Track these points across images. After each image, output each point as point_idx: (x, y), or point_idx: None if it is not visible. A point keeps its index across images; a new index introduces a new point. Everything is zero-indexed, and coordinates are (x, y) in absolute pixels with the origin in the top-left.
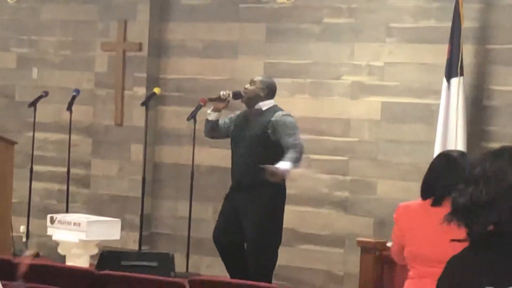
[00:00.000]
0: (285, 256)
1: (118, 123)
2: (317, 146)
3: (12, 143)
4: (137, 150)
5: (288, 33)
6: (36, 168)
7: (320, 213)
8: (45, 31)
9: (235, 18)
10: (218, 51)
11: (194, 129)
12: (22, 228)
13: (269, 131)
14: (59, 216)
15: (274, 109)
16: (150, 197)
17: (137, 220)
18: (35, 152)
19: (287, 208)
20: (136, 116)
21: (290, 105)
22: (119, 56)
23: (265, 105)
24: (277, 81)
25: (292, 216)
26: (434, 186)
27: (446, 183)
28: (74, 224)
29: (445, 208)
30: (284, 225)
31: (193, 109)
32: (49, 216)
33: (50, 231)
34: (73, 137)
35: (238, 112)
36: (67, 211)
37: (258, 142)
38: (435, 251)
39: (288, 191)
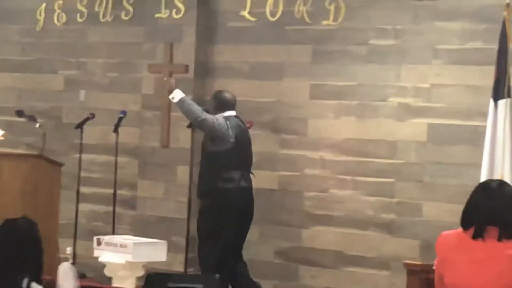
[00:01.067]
0: (330, 278)
1: (165, 145)
2: (363, 168)
3: (59, 164)
4: (183, 172)
5: (334, 55)
6: (82, 189)
7: (366, 236)
8: (92, 53)
9: (281, 40)
10: (264, 73)
11: None
12: (69, 250)
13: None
14: (105, 238)
15: None
16: (196, 219)
17: (183, 242)
18: (82, 174)
19: (333, 230)
20: (182, 138)
21: (336, 127)
22: None
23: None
24: (323, 103)
25: (338, 238)
26: (473, 217)
27: (484, 215)
28: (121, 246)
29: (485, 241)
30: (330, 247)
31: None
32: (95, 238)
33: (96, 252)
34: (119, 158)
35: None
36: (113, 233)
37: (202, 154)
38: (473, 283)
39: (333, 213)
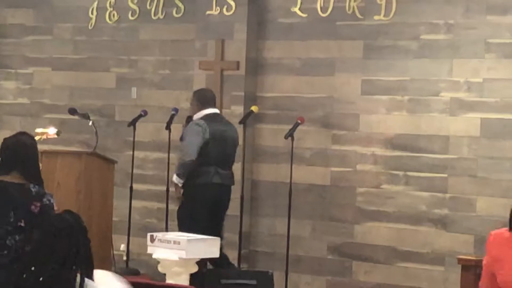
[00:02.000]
0: (384, 274)
1: None
2: (415, 163)
3: (113, 162)
4: (235, 168)
5: (385, 50)
6: (135, 186)
7: (419, 231)
8: (144, 51)
9: (332, 36)
10: (315, 69)
11: (292, 147)
12: (123, 247)
13: None
14: (159, 235)
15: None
16: (249, 215)
17: (236, 238)
18: (135, 171)
19: (385, 225)
20: None
21: (388, 122)
22: (217, 75)
23: (197, 116)
24: (375, 98)
25: (391, 233)
26: None
27: None
28: (174, 242)
29: None
30: (383, 243)
31: (290, 127)
32: (149, 234)
33: (150, 249)
34: (172, 155)
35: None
36: (166, 230)
37: None
38: None
39: (386, 209)
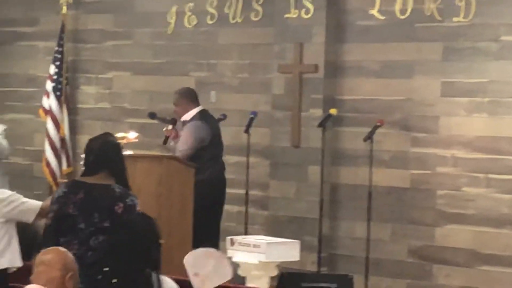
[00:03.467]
0: (465, 277)
1: (295, 145)
2: (496, 166)
3: (192, 166)
4: (314, 172)
5: (465, 52)
6: None
7: (501, 234)
8: (222, 55)
9: (411, 38)
10: (394, 71)
11: (371, 149)
12: None
13: None
14: (238, 238)
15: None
16: (328, 218)
17: (315, 241)
18: None
19: (466, 228)
20: (313, 138)
21: (468, 124)
22: (296, 78)
23: (189, 115)
24: (455, 100)
25: (472, 236)
26: None
27: None
28: (254, 246)
29: None
30: (464, 246)
31: (369, 129)
32: (229, 238)
33: (230, 253)
34: (251, 159)
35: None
36: (246, 233)
37: None
38: None
39: (466, 211)
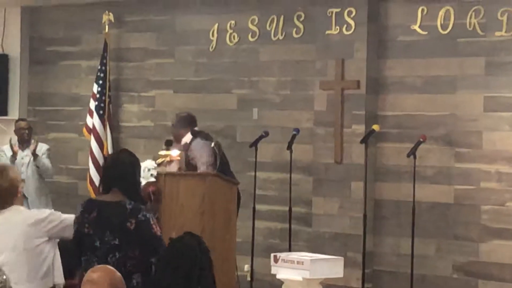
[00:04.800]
0: None
1: (338, 161)
2: None
3: (235, 183)
4: (357, 188)
5: (508, 66)
6: (258, 207)
7: None
8: (264, 72)
9: (454, 53)
10: (437, 87)
11: (414, 165)
12: (247, 267)
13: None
14: (282, 255)
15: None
16: (372, 234)
17: (359, 258)
18: (257, 192)
19: (511, 243)
20: (356, 154)
21: (511, 139)
22: (338, 94)
23: (189, 137)
24: (498, 115)
25: None
26: None
27: None
28: (298, 262)
29: None
30: (509, 261)
31: (412, 145)
32: (272, 255)
33: (274, 270)
34: (293, 175)
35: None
36: (289, 250)
37: None
38: None
39: (511, 227)
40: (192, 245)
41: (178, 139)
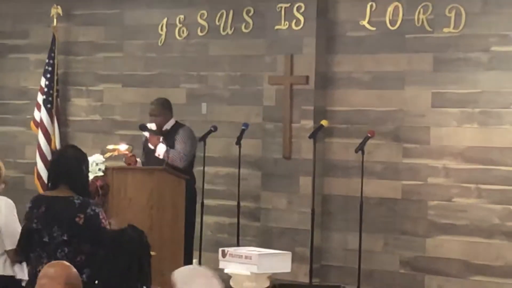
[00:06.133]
0: (457, 287)
1: (287, 156)
2: (487, 176)
3: (184, 177)
4: (305, 183)
5: (455, 63)
6: (207, 202)
7: (492, 244)
8: (213, 67)
9: (402, 49)
10: (385, 82)
11: (362, 160)
12: (195, 262)
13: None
14: (230, 250)
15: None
16: (320, 229)
17: (307, 253)
18: (206, 186)
19: (458, 239)
20: (304, 149)
21: (459, 135)
22: (287, 90)
23: (171, 123)
24: (445, 111)
25: (463, 247)
26: None
27: None
28: (246, 257)
29: None
30: (456, 256)
31: (361, 140)
32: (220, 249)
33: (222, 264)
34: (242, 170)
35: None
36: (238, 244)
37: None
38: None
39: (458, 222)
40: (133, 238)
41: (162, 123)
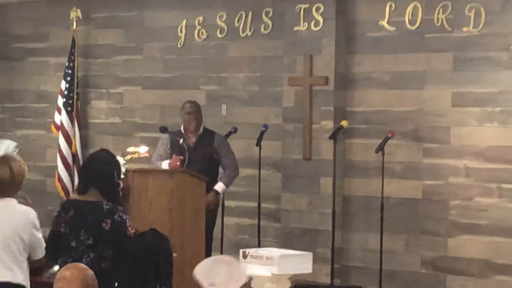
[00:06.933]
0: (478, 287)
1: (307, 157)
2: (508, 175)
3: (204, 179)
4: (326, 183)
5: (475, 62)
6: (227, 203)
7: None
8: (233, 68)
9: (421, 48)
10: (405, 82)
11: (383, 161)
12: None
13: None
14: (251, 251)
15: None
16: (341, 230)
17: (328, 253)
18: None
19: (479, 238)
20: (324, 150)
21: (479, 134)
22: (306, 90)
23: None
24: (466, 110)
25: (485, 246)
26: None
27: None
28: (267, 258)
29: None
30: (477, 256)
31: (381, 141)
32: (241, 250)
33: None
34: (263, 172)
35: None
36: (259, 246)
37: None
38: None
39: (479, 222)
40: (150, 243)
41: (200, 123)
